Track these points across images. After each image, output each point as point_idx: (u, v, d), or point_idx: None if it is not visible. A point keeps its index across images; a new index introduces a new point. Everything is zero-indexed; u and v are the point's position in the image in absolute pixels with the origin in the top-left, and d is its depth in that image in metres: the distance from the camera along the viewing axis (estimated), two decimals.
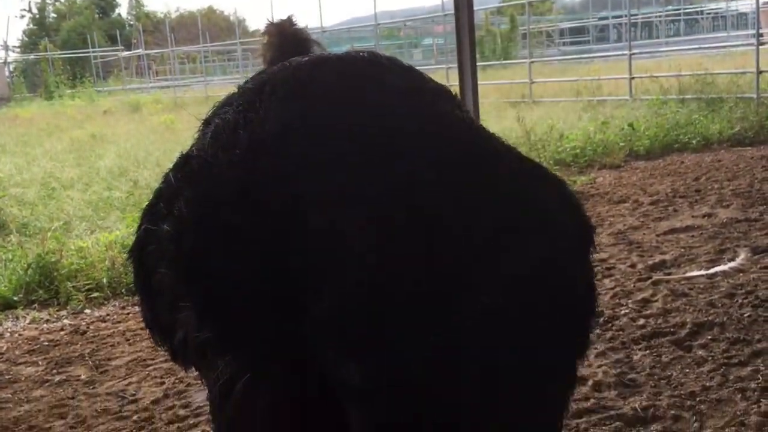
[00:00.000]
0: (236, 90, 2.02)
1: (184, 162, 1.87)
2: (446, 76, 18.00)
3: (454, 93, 2.02)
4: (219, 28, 49.39)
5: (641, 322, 4.54)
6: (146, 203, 2.03)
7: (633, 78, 16.40)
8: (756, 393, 3.58)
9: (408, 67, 2.00)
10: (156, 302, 1.92)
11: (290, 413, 1.56)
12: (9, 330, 5.59)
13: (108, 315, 5.75)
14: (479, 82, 6.04)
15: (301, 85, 1.88)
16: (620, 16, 35.17)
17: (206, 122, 1.97)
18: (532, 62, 19.93)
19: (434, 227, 1.51)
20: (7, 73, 37.45)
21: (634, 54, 17.23)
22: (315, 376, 1.50)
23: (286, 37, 2.79)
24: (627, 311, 4.72)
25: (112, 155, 12.73)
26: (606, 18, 43.47)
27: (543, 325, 1.59)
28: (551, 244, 1.64)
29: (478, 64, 6.10)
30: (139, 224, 2.04)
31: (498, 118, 13.51)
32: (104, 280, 6.19)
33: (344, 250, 1.52)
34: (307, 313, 1.50)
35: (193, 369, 2.04)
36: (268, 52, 2.56)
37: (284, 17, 2.87)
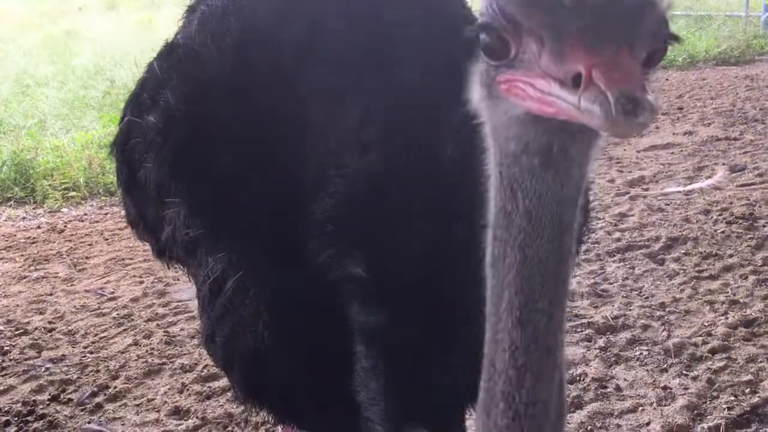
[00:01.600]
0: None
1: (170, 51, 1.80)
2: None
3: None
4: None
5: (617, 235, 4.61)
6: (129, 94, 1.96)
7: None
8: (724, 305, 3.68)
9: None
10: (140, 197, 1.88)
11: (281, 311, 1.56)
12: None
13: (85, 214, 5.72)
14: None
15: None
16: None
17: (191, 9, 1.88)
18: None
19: (436, 125, 1.48)
20: None
21: None
22: (306, 275, 1.49)
23: None
24: (603, 225, 4.78)
25: (87, 53, 12.37)
26: None
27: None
28: None
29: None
30: (121, 116, 1.97)
31: None
32: (81, 180, 6.12)
33: (345, 146, 1.48)
34: (304, 210, 1.48)
35: (178, 266, 2.02)
36: None
37: None
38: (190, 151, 1.64)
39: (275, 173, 1.54)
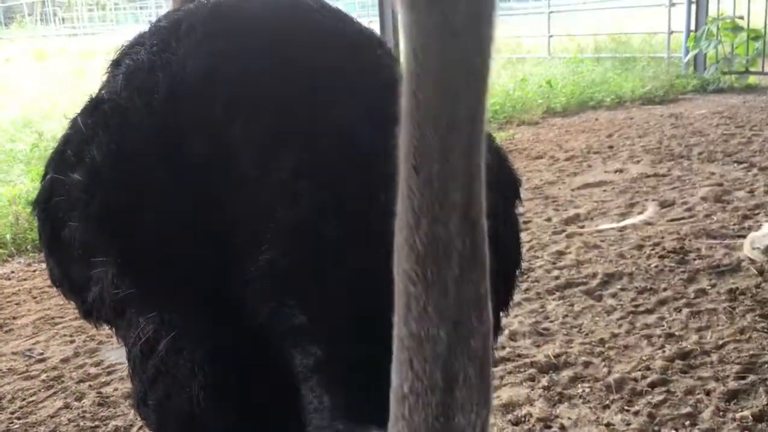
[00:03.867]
0: (147, 29, 1.89)
1: (95, 106, 1.73)
2: None
3: (382, 39, 1.96)
4: None
5: (555, 273, 4.66)
6: (52, 151, 1.90)
7: (551, 36, 16.61)
8: (661, 339, 3.74)
9: (335, 8, 1.91)
10: (65, 257, 1.80)
11: (216, 371, 1.51)
12: None
13: (12, 272, 5.50)
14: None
15: (223, 24, 1.75)
16: None
17: (116, 63, 1.83)
18: None
19: (369, 172, 1.48)
20: None
21: (552, 12, 17.43)
22: (242, 332, 1.45)
23: None
24: (542, 263, 4.83)
25: (15, 106, 12.10)
26: None
27: None
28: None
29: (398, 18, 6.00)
30: (44, 174, 1.90)
31: None
32: (8, 236, 5.90)
33: (276, 199, 1.46)
34: (238, 266, 1.44)
35: (107, 327, 1.94)
36: None
37: None
38: (118, 209, 1.58)
39: (207, 230, 1.50)
